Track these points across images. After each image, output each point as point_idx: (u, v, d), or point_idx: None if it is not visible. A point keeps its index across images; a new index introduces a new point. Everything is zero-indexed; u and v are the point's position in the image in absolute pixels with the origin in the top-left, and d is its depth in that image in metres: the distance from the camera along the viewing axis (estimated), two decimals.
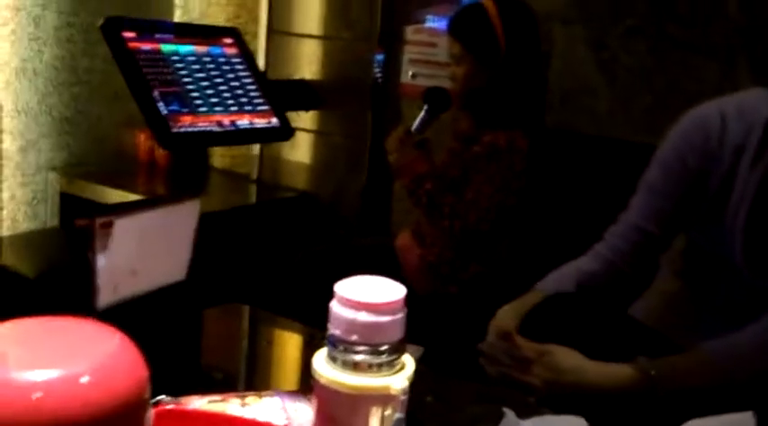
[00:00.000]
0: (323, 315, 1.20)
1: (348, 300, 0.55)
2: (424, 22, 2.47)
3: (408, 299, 1.74)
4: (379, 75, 2.56)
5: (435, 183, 1.92)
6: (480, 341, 1.33)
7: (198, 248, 1.85)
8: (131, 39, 1.86)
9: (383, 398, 0.52)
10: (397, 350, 0.54)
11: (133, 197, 2.13)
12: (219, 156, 2.80)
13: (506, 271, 1.96)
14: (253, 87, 2.15)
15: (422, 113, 1.98)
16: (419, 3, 2.45)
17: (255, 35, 2.77)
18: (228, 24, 2.69)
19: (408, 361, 0.56)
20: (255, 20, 2.79)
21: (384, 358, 0.53)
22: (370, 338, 0.53)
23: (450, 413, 0.91)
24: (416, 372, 0.63)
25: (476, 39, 1.90)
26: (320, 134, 2.76)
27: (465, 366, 1.26)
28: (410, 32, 2.49)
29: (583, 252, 1.40)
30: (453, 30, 1.95)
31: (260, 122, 2.11)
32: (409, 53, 2.49)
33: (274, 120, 2.17)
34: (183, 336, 0.91)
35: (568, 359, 1.19)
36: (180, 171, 2.54)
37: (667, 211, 1.30)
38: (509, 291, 1.42)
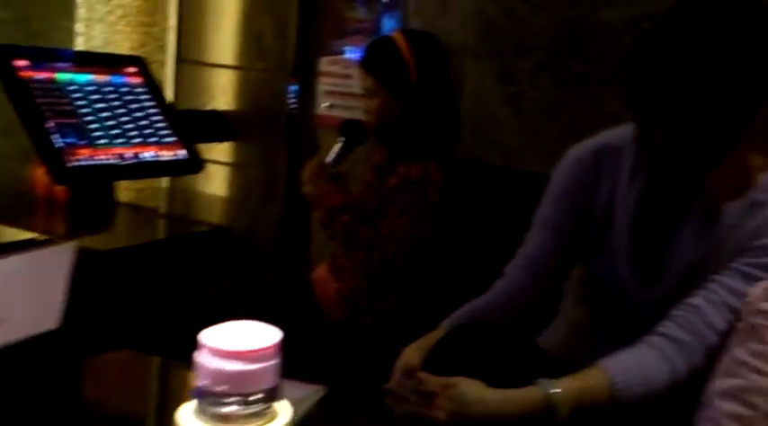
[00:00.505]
0: None
1: (215, 349, 0.52)
2: (339, 53, 2.48)
3: (322, 331, 1.73)
4: (294, 106, 2.55)
5: (351, 215, 1.92)
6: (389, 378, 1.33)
7: (97, 290, 1.78)
8: (23, 68, 1.79)
9: None
10: (271, 398, 0.52)
11: (29, 235, 2.04)
12: (125, 190, 2.71)
13: (422, 302, 1.97)
14: (158, 118, 2.11)
15: (338, 145, 1.98)
16: (334, 34, 2.46)
17: (163, 64, 2.72)
18: (134, 53, 2.63)
19: (283, 409, 0.54)
20: (163, 48, 2.75)
21: (256, 408, 0.50)
22: (240, 388, 0.50)
23: None
24: (315, 415, 0.61)
25: (388, 73, 1.91)
26: (234, 166, 2.72)
27: (373, 405, 1.25)
28: (325, 64, 2.49)
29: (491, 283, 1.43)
30: (365, 64, 1.96)
31: (166, 154, 2.06)
32: (324, 84, 2.49)
33: (182, 152, 2.13)
34: (60, 387, 0.86)
35: (472, 389, 1.20)
36: (81, 206, 2.44)
37: (560, 244, 1.37)
38: (425, 322, 1.42)
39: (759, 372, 1.08)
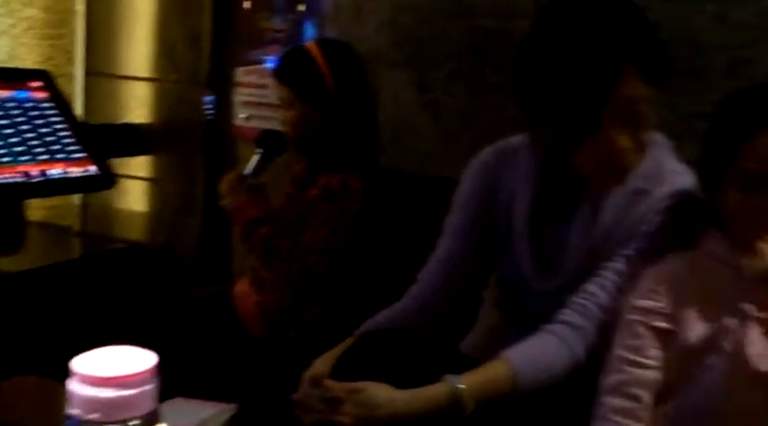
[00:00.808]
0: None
1: (86, 376, 0.50)
2: (255, 63, 2.45)
3: (243, 346, 1.70)
4: (210, 117, 2.51)
5: (271, 227, 1.90)
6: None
7: (8, 313, 1.71)
8: None
9: None
10: (149, 422, 0.51)
11: None
12: (36, 209, 2.61)
13: (345, 312, 1.96)
14: (66, 133, 2.04)
15: (256, 157, 1.95)
16: (249, 43, 2.44)
17: (72, 78, 2.65)
18: (40, 66, 2.55)
19: None
20: (72, 61, 2.67)
21: None
22: (114, 415, 0.49)
23: None
24: None
25: (304, 85, 1.89)
26: (151, 180, 2.66)
27: (287, 418, 1.24)
28: (241, 74, 2.46)
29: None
30: (280, 75, 1.94)
31: (75, 171, 2.00)
32: (241, 95, 2.46)
33: (93, 168, 2.06)
34: None
35: (378, 392, 1.21)
36: None
37: (470, 247, 1.43)
38: (348, 332, 1.42)
39: (638, 365, 1.15)
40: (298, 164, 2.04)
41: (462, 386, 1.21)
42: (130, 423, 0.49)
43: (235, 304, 2.02)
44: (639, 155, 1.25)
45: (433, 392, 1.22)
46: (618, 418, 1.13)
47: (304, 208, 1.92)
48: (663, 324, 1.16)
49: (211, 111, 2.48)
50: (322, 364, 1.32)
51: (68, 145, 2.04)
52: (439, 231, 1.52)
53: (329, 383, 1.23)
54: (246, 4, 2.42)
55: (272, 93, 2.33)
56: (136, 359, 0.52)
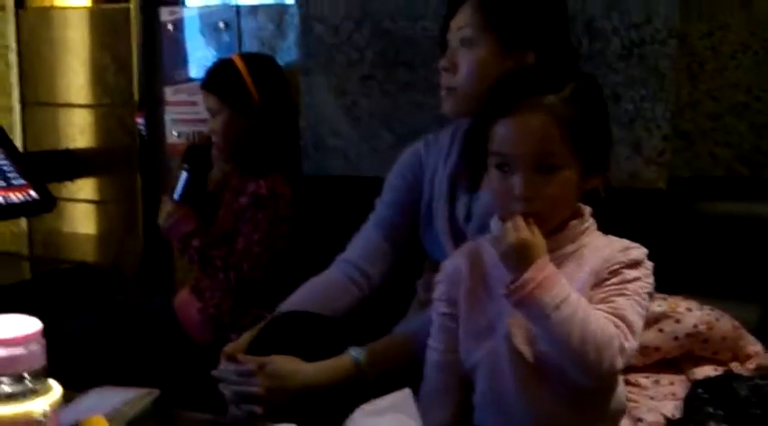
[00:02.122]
0: (97, 382, 1.21)
1: None
2: (182, 82, 2.53)
3: (189, 352, 1.77)
4: (145, 137, 2.59)
5: (203, 240, 1.97)
6: None
7: None
8: None
9: (26, 423, 0.58)
10: (37, 377, 0.60)
11: None
12: None
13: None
14: (5, 162, 2.11)
15: (184, 174, 2.03)
16: (175, 64, 2.52)
17: (10, 109, 2.71)
18: None
19: (55, 387, 0.62)
20: (8, 93, 2.73)
21: (24, 386, 0.59)
22: (8, 369, 0.58)
23: None
24: (149, 411, 0.68)
25: (228, 91, 2.00)
26: (92, 203, 2.73)
27: (209, 401, 1.33)
28: (170, 93, 2.54)
29: None
30: (207, 84, 2.05)
31: (16, 197, 2.07)
32: (171, 113, 2.54)
33: (33, 193, 2.14)
34: None
35: (287, 364, 1.32)
36: None
37: (397, 218, 1.58)
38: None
39: (431, 349, 1.28)
40: (231, 174, 2.13)
41: (363, 357, 1.32)
42: (21, 377, 0.58)
43: (177, 313, 2.10)
44: None
45: (337, 363, 1.33)
46: (422, 394, 1.23)
47: (236, 214, 2.01)
48: (445, 310, 1.25)
49: (145, 132, 2.56)
50: (237, 342, 1.42)
51: (8, 172, 2.11)
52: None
53: (242, 357, 1.34)
54: (169, 26, 2.50)
55: (202, 108, 2.42)
56: (24, 325, 0.62)
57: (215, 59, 2.21)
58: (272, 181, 1.97)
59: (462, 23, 1.42)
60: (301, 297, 1.53)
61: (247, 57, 2.09)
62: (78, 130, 2.72)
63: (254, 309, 2.01)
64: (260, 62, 2.10)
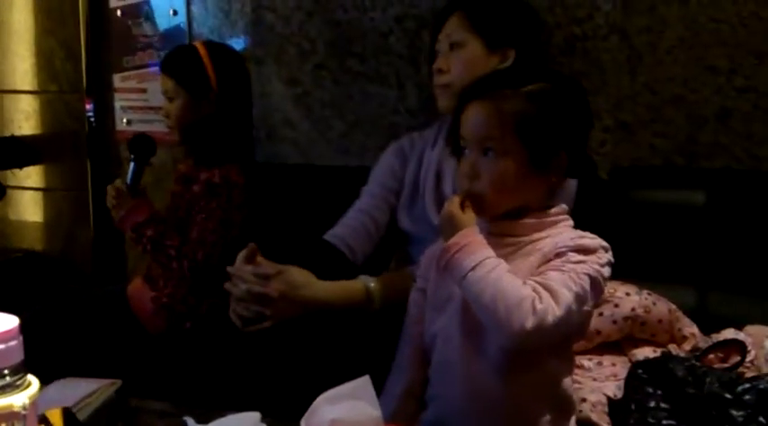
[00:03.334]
0: (54, 374, 1.23)
1: None
2: (131, 68, 2.51)
3: (144, 341, 1.79)
4: (93, 124, 2.56)
5: (157, 229, 1.97)
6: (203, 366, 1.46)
7: None
8: None
9: (6, 416, 0.61)
10: (17, 372, 0.63)
11: None
12: None
13: None
14: None
15: (131, 164, 2.03)
16: (124, 50, 2.50)
17: None
18: None
19: (33, 382, 0.65)
20: None
21: (4, 381, 0.61)
22: None
23: None
24: (113, 402, 0.70)
25: (187, 74, 2.00)
26: (41, 190, 2.70)
27: (169, 390, 1.36)
28: (118, 80, 2.52)
29: None
30: (165, 67, 2.04)
31: None
32: (120, 100, 2.52)
33: None
34: None
35: (303, 276, 1.41)
36: None
37: (380, 206, 1.73)
38: None
39: (407, 319, 1.37)
40: (182, 162, 2.13)
41: (374, 284, 1.44)
42: (4, 371, 0.61)
43: (130, 302, 2.10)
44: None
45: (351, 285, 1.44)
46: (393, 364, 1.33)
47: (189, 203, 2.01)
48: (421, 285, 1.34)
49: (94, 119, 2.54)
50: (255, 245, 1.47)
51: None
52: (322, 215, 1.75)
53: (261, 259, 1.42)
54: (118, 12, 2.47)
55: (151, 95, 2.42)
56: (1, 322, 0.64)
57: (167, 46, 2.20)
58: (226, 169, 1.98)
59: (450, 31, 1.67)
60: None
61: (210, 45, 2.09)
62: (24, 117, 2.68)
63: (208, 298, 2.02)
64: (222, 50, 2.10)
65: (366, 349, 1.43)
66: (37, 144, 2.65)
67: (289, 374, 1.39)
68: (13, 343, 0.62)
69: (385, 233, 1.75)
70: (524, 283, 1.13)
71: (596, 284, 1.17)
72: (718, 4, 1.86)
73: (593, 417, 1.46)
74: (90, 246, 2.57)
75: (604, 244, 1.21)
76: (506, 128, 1.18)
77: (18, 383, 0.63)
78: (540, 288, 1.12)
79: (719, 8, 1.86)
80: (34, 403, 0.63)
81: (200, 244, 1.95)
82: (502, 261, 1.15)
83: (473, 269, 1.13)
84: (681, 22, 1.89)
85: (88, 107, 2.53)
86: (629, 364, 1.61)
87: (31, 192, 2.70)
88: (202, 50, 2.02)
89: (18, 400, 0.61)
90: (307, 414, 0.85)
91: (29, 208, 2.70)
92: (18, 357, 0.62)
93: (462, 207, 1.19)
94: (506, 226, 1.22)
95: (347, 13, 2.08)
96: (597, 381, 1.56)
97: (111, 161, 2.56)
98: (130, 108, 2.52)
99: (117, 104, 2.52)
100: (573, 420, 1.30)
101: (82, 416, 1.02)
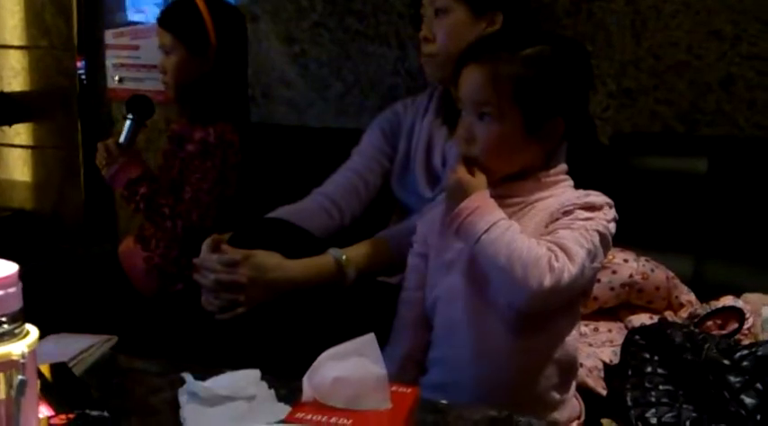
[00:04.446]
0: (46, 333, 1.21)
1: None
2: (124, 25, 2.46)
3: (135, 301, 1.77)
4: (84, 82, 2.52)
5: (150, 186, 1.95)
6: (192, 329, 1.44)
7: None
8: None
9: (6, 364, 0.59)
10: (15, 319, 0.61)
11: None
12: None
13: None
14: None
15: (127, 123, 2.00)
16: (116, 6, 2.44)
17: None
18: None
19: (32, 330, 0.63)
20: None
21: (2, 328, 0.59)
22: None
23: (134, 388, 0.98)
24: (108, 358, 0.68)
25: (186, 29, 1.95)
26: (30, 148, 2.65)
27: (161, 351, 1.34)
28: (111, 36, 2.47)
29: None
30: (163, 21, 1.99)
31: None
32: (113, 58, 2.48)
33: None
34: None
35: (271, 258, 1.37)
36: None
37: (372, 162, 1.68)
38: None
39: (403, 289, 1.36)
40: (175, 121, 2.10)
41: (345, 256, 1.39)
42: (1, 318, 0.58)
43: (122, 262, 2.08)
44: None
45: (320, 260, 1.40)
46: (393, 328, 1.32)
47: (183, 163, 1.98)
48: (419, 250, 1.33)
49: (85, 76, 2.49)
50: (220, 235, 1.44)
51: None
52: (318, 178, 1.70)
53: (226, 247, 1.38)
54: None
55: (144, 53, 2.38)
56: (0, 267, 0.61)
57: (161, 2, 2.15)
58: (220, 128, 1.94)
59: None
60: (274, 215, 1.58)
61: (210, 0, 2.04)
62: (13, 73, 2.63)
63: (193, 259, 2.00)
64: (221, 5, 2.04)
65: (358, 313, 1.41)
66: (26, 101, 2.61)
67: (284, 334, 1.37)
68: (11, 290, 0.60)
69: (376, 195, 1.71)
70: (538, 242, 1.12)
71: (605, 240, 1.18)
72: None
73: (589, 382, 1.46)
74: (81, 206, 2.54)
75: (609, 200, 1.21)
76: (503, 93, 1.17)
77: (17, 331, 0.60)
78: (554, 247, 1.12)
79: None
80: (33, 352, 0.61)
81: (195, 204, 1.93)
82: (514, 222, 1.14)
83: (487, 231, 1.12)
84: None
85: (79, 64, 2.48)
86: (624, 330, 1.61)
87: (21, 150, 2.65)
88: (201, 5, 1.97)
89: (17, 348, 0.59)
90: (309, 371, 0.83)
91: (18, 166, 2.66)
92: (17, 304, 0.60)
93: (471, 172, 1.17)
94: (508, 187, 1.21)
95: None
96: (593, 346, 1.56)
97: (103, 119, 2.52)
98: (123, 65, 2.47)
99: (109, 62, 2.48)
100: (574, 383, 1.29)
101: (77, 371, 1.01)
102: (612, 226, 1.19)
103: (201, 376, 0.95)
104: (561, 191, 1.23)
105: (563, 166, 1.26)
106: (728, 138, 1.87)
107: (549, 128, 1.19)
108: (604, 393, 1.44)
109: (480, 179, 1.17)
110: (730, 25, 1.85)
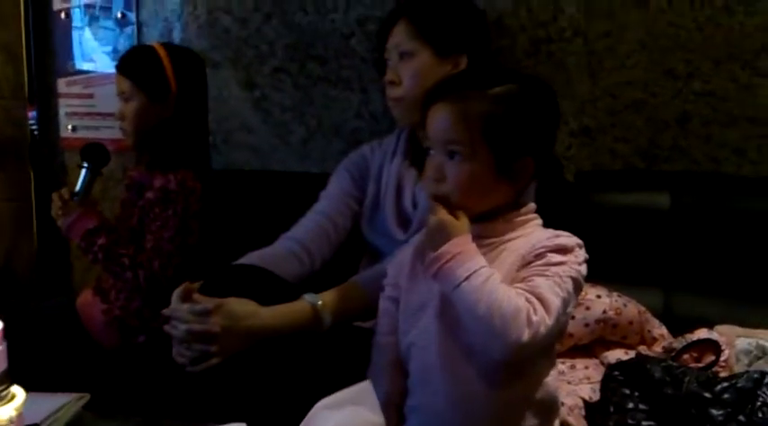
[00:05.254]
0: None
1: None
2: (76, 73, 2.42)
3: (95, 355, 1.70)
4: (36, 131, 2.45)
5: (109, 236, 1.89)
6: (162, 381, 1.38)
7: None
8: None
9: None
10: (2, 382, 0.56)
11: None
12: None
13: None
14: None
15: (82, 172, 1.95)
16: (68, 54, 2.40)
17: None
18: None
19: (19, 392, 0.59)
20: None
21: None
22: None
23: None
24: (80, 416, 0.64)
25: (146, 76, 1.92)
26: None
27: (139, 405, 1.29)
28: (63, 85, 2.42)
29: None
30: (122, 67, 1.96)
31: None
32: (65, 106, 2.42)
33: None
34: None
35: (245, 306, 1.34)
36: None
37: (341, 205, 1.68)
38: None
39: (377, 334, 1.33)
40: (133, 169, 2.05)
41: (320, 302, 1.36)
42: None
43: (80, 315, 2.00)
44: None
45: (295, 307, 1.36)
46: (367, 375, 1.27)
47: (143, 211, 1.93)
48: (390, 293, 1.30)
49: (36, 126, 2.43)
50: (190, 284, 1.40)
51: None
52: (282, 223, 1.68)
53: (198, 296, 1.34)
54: (62, 14, 2.38)
55: (98, 101, 2.34)
56: None
57: (115, 50, 2.12)
58: (181, 175, 1.90)
59: (398, 40, 1.60)
60: (245, 261, 1.54)
61: (168, 46, 2.01)
62: None
63: (163, 309, 1.94)
64: (181, 52, 2.02)
65: (334, 359, 1.38)
66: None
67: (261, 383, 1.33)
68: None
69: (346, 239, 1.69)
70: (517, 293, 1.10)
71: (578, 285, 1.17)
72: (676, 9, 1.89)
73: (571, 420, 1.44)
74: (33, 258, 2.45)
75: (579, 241, 1.20)
76: (473, 131, 1.16)
77: (3, 394, 0.56)
78: (532, 298, 1.10)
79: (678, 13, 1.89)
80: (21, 416, 0.57)
81: (156, 253, 1.88)
82: (495, 270, 1.13)
83: (467, 278, 1.10)
84: (641, 26, 1.91)
85: (30, 114, 2.42)
86: (601, 366, 1.61)
87: None
88: (161, 51, 1.95)
89: (4, 413, 0.55)
90: (305, 422, 0.80)
91: None
92: (2, 365, 0.56)
93: (453, 214, 1.15)
94: (479, 228, 1.19)
95: (307, 15, 2.04)
96: (572, 384, 1.55)
97: (55, 169, 2.45)
98: (75, 114, 2.42)
99: (62, 110, 2.42)
100: (557, 423, 1.28)
101: None
102: (584, 268, 1.19)
103: None
104: (530, 231, 1.22)
105: (532, 205, 1.25)
106: (688, 173, 1.91)
107: (519, 167, 1.19)
108: None
109: (463, 222, 1.15)
110: (683, 64, 1.90)
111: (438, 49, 1.58)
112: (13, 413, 0.55)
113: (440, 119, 1.18)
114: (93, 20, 2.37)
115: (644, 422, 1.36)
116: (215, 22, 2.07)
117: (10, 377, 0.58)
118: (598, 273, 1.67)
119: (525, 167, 1.19)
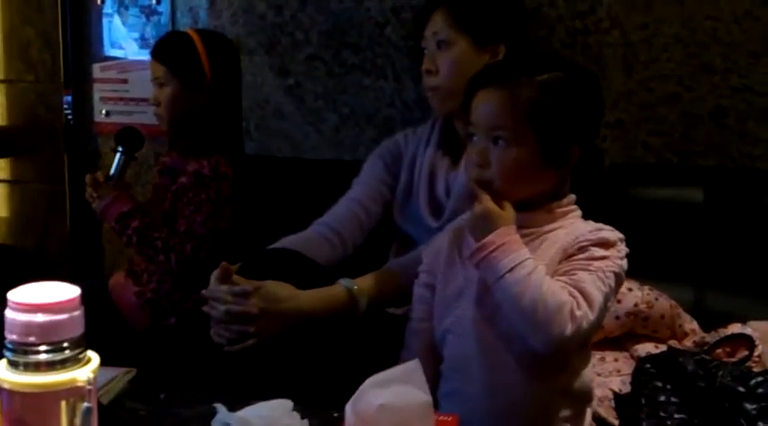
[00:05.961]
0: None
1: (22, 304, 0.57)
2: (111, 58, 2.44)
3: (127, 336, 1.73)
4: (70, 116, 2.48)
5: (143, 220, 1.92)
6: (195, 362, 1.40)
7: None
8: None
9: (71, 391, 0.56)
10: (79, 344, 0.58)
11: None
12: None
13: None
14: None
15: (117, 156, 1.97)
16: (103, 40, 2.42)
17: None
18: None
19: (94, 356, 0.60)
20: None
21: (67, 354, 0.56)
22: (48, 337, 0.55)
23: (164, 419, 0.95)
24: (128, 390, 0.66)
25: (180, 63, 1.95)
26: (15, 183, 2.61)
27: (178, 383, 1.31)
28: (98, 70, 2.45)
29: None
30: (157, 53, 1.99)
31: None
32: (99, 91, 2.45)
33: None
34: None
35: (282, 289, 1.36)
36: None
37: (374, 192, 1.68)
38: None
39: (410, 319, 1.34)
40: (166, 154, 2.07)
41: (356, 287, 1.39)
42: (63, 345, 0.56)
43: (113, 297, 2.03)
44: None
45: (331, 291, 1.38)
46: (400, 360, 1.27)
47: (176, 195, 1.95)
48: (425, 280, 1.31)
49: (71, 110, 2.46)
50: (229, 266, 1.40)
51: None
52: (312, 211, 1.68)
53: (237, 278, 1.35)
54: (98, 0, 2.40)
55: (132, 86, 2.37)
56: (63, 291, 0.59)
57: (150, 36, 2.14)
58: (214, 160, 1.93)
59: (436, 29, 1.59)
60: (279, 246, 1.55)
61: (203, 33, 2.04)
62: None
63: (194, 293, 1.96)
64: (215, 38, 2.05)
65: (368, 344, 1.39)
66: (11, 135, 2.56)
67: (297, 365, 1.36)
68: (75, 314, 0.57)
69: (377, 225, 1.69)
70: (562, 287, 1.11)
71: (620, 280, 1.19)
72: (713, 2, 1.87)
73: (601, 411, 1.45)
74: (66, 241, 2.48)
75: (621, 235, 1.21)
76: (519, 117, 1.16)
77: (80, 357, 0.57)
78: (576, 293, 1.11)
79: (715, 6, 1.87)
80: (95, 378, 0.58)
81: (189, 236, 1.90)
82: (540, 263, 1.13)
83: (512, 269, 1.10)
84: (677, 20, 1.89)
85: (65, 99, 2.45)
86: (630, 360, 1.60)
87: (4, 185, 2.60)
88: (196, 38, 1.97)
89: (82, 374, 0.56)
90: (353, 399, 0.81)
91: (2, 201, 2.61)
92: (79, 329, 0.57)
93: (498, 203, 1.16)
94: (520, 218, 1.19)
95: (342, 2, 2.04)
96: (602, 376, 1.55)
97: (89, 154, 2.48)
98: (110, 99, 2.45)
99: (96, 95, 2.45)
100: (589, 412, 1.28)
101: (104, 402, 0.97)
102: (625, 263, 1.19)
103: (230, 407, 0.91)
104: (571, 222, 1.22)
105: (573, 196, 1.25)
106: (721, 168, 1.89)
107: (565, 155, 1.19)
108: (616, 423, 1.43)
109: (508, 212, 1.15)
110: (720, 58, 1.88)
111: (476, 39, 1.58)
112: (91, 375, 0.57)
113: (486, 105, 1.19)
114: (127, 6, 2.39)
115: (676, 415, 1.35)
116: (250, 8, 2.08)
117: (86, 341, 0.60)
118: (630, 267, 1.67)
119: (571, 155, 1.19)
